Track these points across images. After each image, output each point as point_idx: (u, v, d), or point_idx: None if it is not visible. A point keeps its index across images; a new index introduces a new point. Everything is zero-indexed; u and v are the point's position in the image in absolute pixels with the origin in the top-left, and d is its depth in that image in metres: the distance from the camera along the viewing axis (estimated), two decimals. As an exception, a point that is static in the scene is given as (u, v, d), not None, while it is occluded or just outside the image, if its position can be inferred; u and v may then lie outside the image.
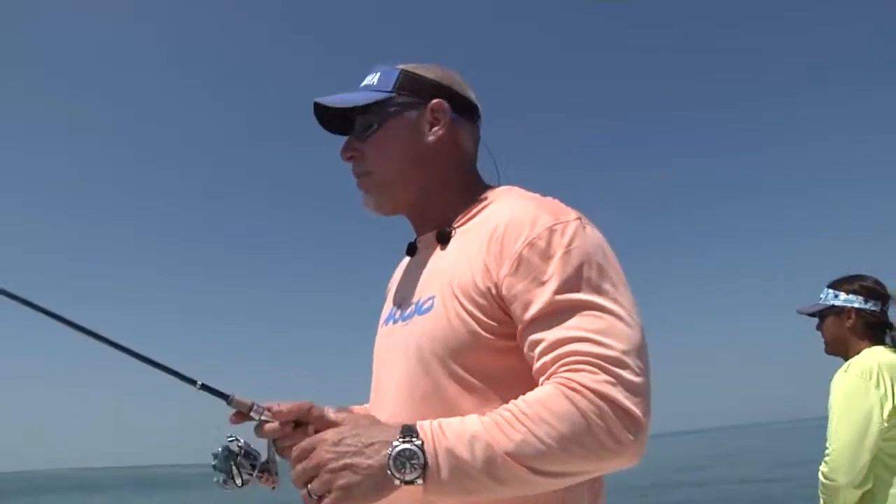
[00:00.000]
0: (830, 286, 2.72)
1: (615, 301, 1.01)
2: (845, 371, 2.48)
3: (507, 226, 1.08)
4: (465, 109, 1.28)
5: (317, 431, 1.15)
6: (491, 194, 1.24)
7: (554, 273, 1.02)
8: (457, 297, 1.10)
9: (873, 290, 2.63)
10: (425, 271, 1.21)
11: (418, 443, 0.92)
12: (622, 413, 0.93)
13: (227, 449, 1.15)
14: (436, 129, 1.23)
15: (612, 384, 0.94)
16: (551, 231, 1.04)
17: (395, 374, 1.17)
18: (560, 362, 0.98)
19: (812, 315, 2.75)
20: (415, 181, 1.25)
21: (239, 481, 1.14)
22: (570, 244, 1.03)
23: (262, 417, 1.16)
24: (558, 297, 1.01)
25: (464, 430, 0.94)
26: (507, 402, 0.99)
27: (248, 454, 1.15)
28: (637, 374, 0.95)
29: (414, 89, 1.24)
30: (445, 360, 1.09)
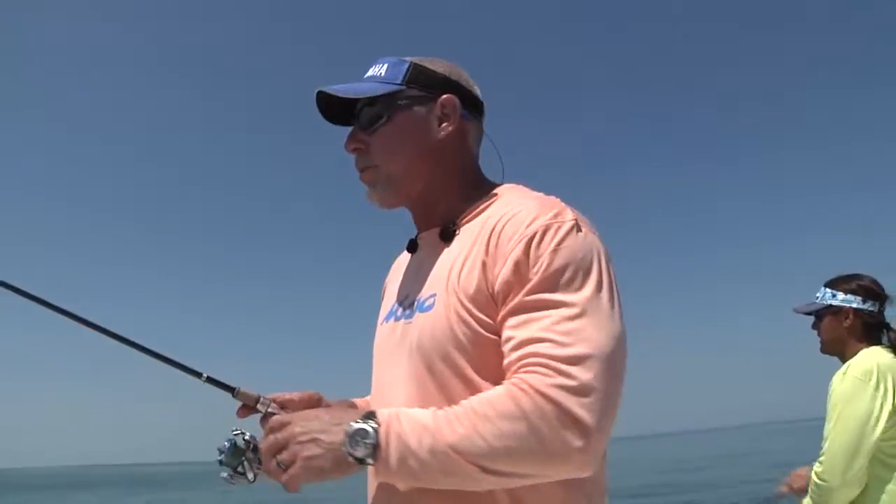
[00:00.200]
0: (828, 285, 2.69)
1: (592, 305, 1.00)
2: (844, 373, 2.46)
3: (506, 225, 1.08)
4: (472, 106, 1.26)
5: None
6: (494, 192, 1.22)
7: (536, 272, 1.02)
8: (457, 296, 1.09)
9: (871, 290, 2.61)
10: (428, 269, 1.19)
11: (374, 425, 0.96)
12: (569, 418, 0.91)
13: (233, 443, 1.14)
14: (445, 125, 1.22)
15: (562, 388, 0.92)
16: (545, 231, 1.04)
17: (399, 372, 1.16)
18: (520, 362, 0.98)
19: (809, 314, 2.73)
20: (421, 176, 1.23)
21: (251, 476, 1.14)
22: (559, 244, 1.03)
23: (269, 409, 1.17)
24: (534, 296, 1.01)
25: (416, 420, 0.97)
26: None
27: (256, 448, 1.14)
28: (595, 381, 0.93)
29: (424, 83, 1.22)
30: (447, 358, 1.08)
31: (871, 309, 2.59)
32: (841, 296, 2.63)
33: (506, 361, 1.01)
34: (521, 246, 1.03)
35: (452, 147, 1.23)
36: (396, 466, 0.95)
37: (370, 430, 0.95)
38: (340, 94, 1.21)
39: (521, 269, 1.03)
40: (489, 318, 1.06)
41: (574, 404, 0.92)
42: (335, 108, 1.25)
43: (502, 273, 1.04)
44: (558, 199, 1.12)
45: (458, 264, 1.12)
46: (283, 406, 1.22)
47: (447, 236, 1.20)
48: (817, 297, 2.70)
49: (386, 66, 1.24)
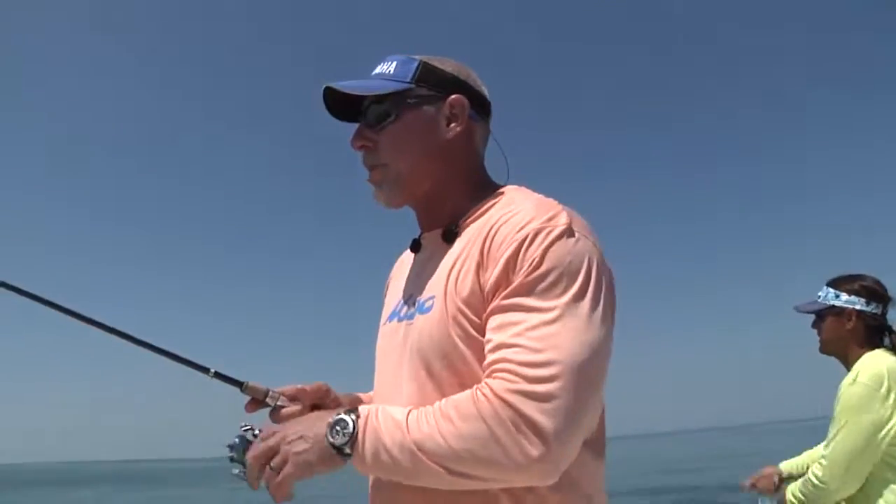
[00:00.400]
0: (830, 284, 2.66)
1: (570, 312, 0.98)
2: (854, 378, 2.42)
3: (500, 227, 1.08)
4: (479, 106, 1.26)
5: None
6: (498, 193, 1.21)
7: (520, 275, 1.01)
8: (453, 298, 1.09)
9: (875, 292, 2.58)
10: (430, 270, 1.19)
11: (353, 417, 0.99)
12: (527, 424, 0.91)
13: (243, 439, 1.14)
14: (453, 125, 1.21)
15: (524, 394, 0.92)
16: (536, 234, 1.03)
17: (400, 373, 1.16)
18: (491, 367, 0.98)
19: (810, 313, 2.70)
20: (428, 176, 1.22)
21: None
22: (546, 249, 1.01)
23: (278, 403, 1.18)
24: (513, 299, 1.00)
25: (391, 416, 0.99)
26: None
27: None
28: (560, 388, 0.92)
29: (433, 82, 1.21)
30: (445, 360, 1.08)
31: (874, 311, 2.56)
32: (844, 296, 2.59)
33: (484, 364, 1.01)
34: (512, 248, 1.03)
35: (460, 147, 1.23)
36: (371, 459, 0.97)
37: (349, 420, 0.99)
38: (348, 91, 1.20)
39: (508, 272, 1.02)
40: (481, 320, 1.05)
41: (533, 410, 0.91)
42: (342, 105, 1.24)
43: (493, 275, 1.04)
44: (556, 202, 1.11)
45: (457, 267, 1.12)
46: (293, 398, 1.22)
47: (449, 237, 1.19)
48: (819, 297, 2.66)
49: (395, 63, 1.23)
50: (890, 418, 2.33)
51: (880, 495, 2.37)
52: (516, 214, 1.08)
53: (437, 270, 1.17)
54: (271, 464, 1.01)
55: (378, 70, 1.24)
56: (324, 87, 1.21)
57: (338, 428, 0.99)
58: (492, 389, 0.94)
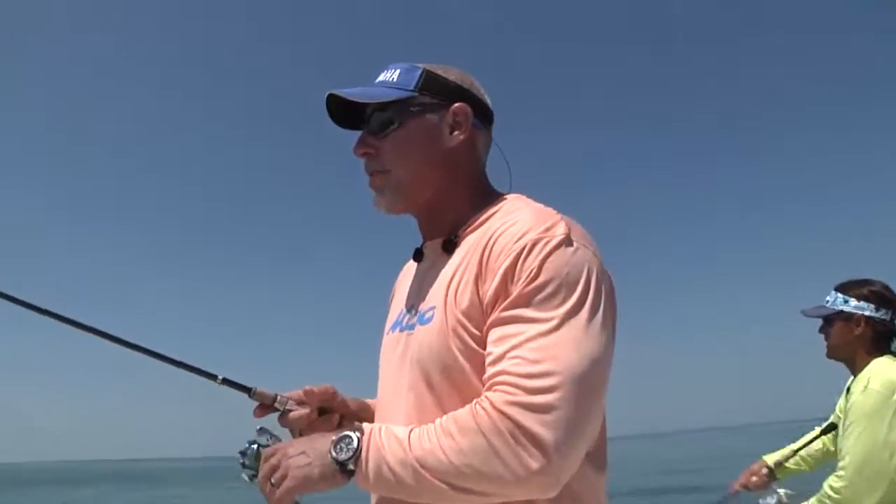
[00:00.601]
0: (839, 289, 2.62)
1: (573, 322, 0.98)
2: (866, 386, 2.39)
3: (499, 238, 1.07)
4: (482, 115, 1.26)
5: (342, 418, 1.25)
6: (499, 202, 1.21)
7: (518, 286, 1.01)
8: (453, 310, 1.09)
9: (884, 298, 2.55)
10: (431, 280, 1.19)
11: (357, 434, 0.99)
12: (527, 437, 0.90)
13: (256, 445, 1.15)
14: (456, 133, 1.21)
15: (524, 406, 0.91)
16: (533, 244, 1.02)
17: (401, 383, 1.16)
18: (491, 380, 0.98)
19: (818, 318, 2.67)
20: (430, 184, 1.22)
21: None
22: (544, 260, 1.01)
23: (287, 407, 1.19)
24: (513, 311, 1.00)
25: (393, 433, 0.99)
26: None
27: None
28: (560, 400, 0.92)
29: (436, 90, 1.21)
30: (444, 372, 1.08)
31: (883, 317, 2.53)
32: (853, 302, 2.56)
33: (484, 377, 1.01)
34: (510, 260, 1.02)
35: (462, 155, 1.23)
36: (374, 477, 0.97)
37: (353, 436, 0.99)
38: (352, 98, 1.20)
39: (506, 283, 1.02)
40: (481, 332, 1.05)
41: (532, 422, 0.90)
42: (344, 112, 1.24)
43: (492, 287, 1.03)
44: (554, 212, 1.11)
45: (456, 278, 1.11)
46: (300, 402, 1.23)
47: (449, 247, 1.19)
48: (827, 301, 2.63)
49: (398, 71, 1.23)
50: None
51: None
52: (514, 224, 1.07)
53: (437, 281, 1.17)
54: (272, 479, 1.01)
55: (381, 78, 1.25)
56: (327, 94, 1.21)
57: (342, 444, 0.99)
58: (490, 402, 0.94)
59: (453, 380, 1.07)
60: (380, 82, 1.24)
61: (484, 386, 1.00)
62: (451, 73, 1.25)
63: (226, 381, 1.18)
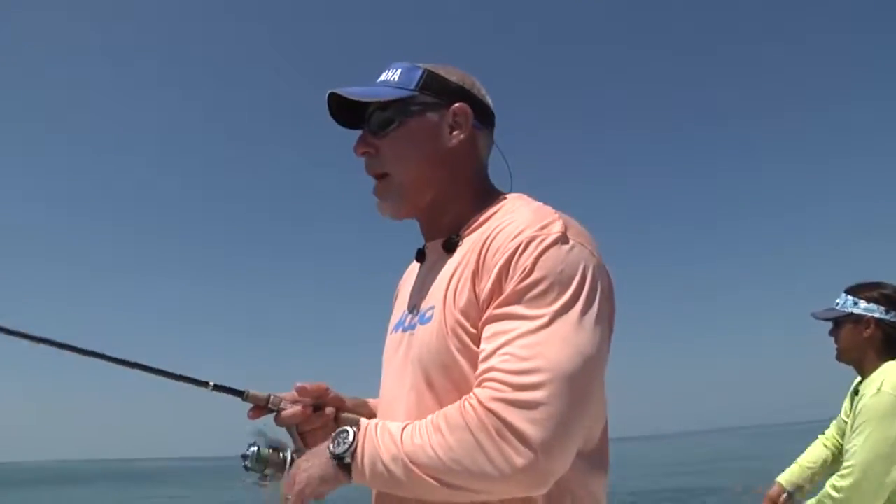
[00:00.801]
0: (849, 292, 2.61)
1: (565, 320, 0.97)
2: (879, 388, 2.37)
3: (496, 237, 1.07)
4: (483, 116, 1.26)
5: (338, 411, 1.26)
6: (499, 202, 1.21)
7: (511, 283, 1.00)
8: (451, 309, 1.09)
9: (895, 300, 2.53)
10: (432, 280, 1.19)
11: (353, 429, 1.03)
12: (513, 433, 0.90)
13: (256, 447, 1.16)
14: (457, 133, 1.21)
15: (510, 402, 0.91)
16: (529, 242, 1.02)
17: (402, 384, 1.16)
18: (481, 377, 0.98)
19: (828, 320, 2.65)
20: (430, 185, 1.22)
21: (279, 473, 1.15)
22: (538, 257, 1.00)
23: (280, 407, 1.20)
24: (505, 308, 1.00)
25: (388, 429, 1.02)
26: None
27: (277, 449, 1.17)
28: (547, 397, 0.91)
29: (437, 90, 1.22)
30: (444, 371, 1.08)
31: (893, 320, 2.51)
32: (863, 304, 2.54)
33: (476, 374, 1.00)
34: (505, 257, 1.02)
35: (463, 155, 1.22)
36: (368, 472, 1.00)
37: (349, 430, 1.03)
38: (353, 97, 1.20)
39: (501, 281, 1.02)
40: (478, 330, 1.05)
41: (518, 418, 0.90)
42: (346, 111, 1.24)
43: (487, 285, 1.03)
44: (552, 210, 1.10)
45: (455, 277, 1.12)
46: (294, 401, 1.23)
47: (450, 247, 1.19)
48: (837, 304, 2.62)
49: (399, 71, 1.23)
50: None
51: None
52: (511, 223, 1.07)
53: (437, 281, 1.17)
54: (289, 494, 1.05)
55: (383, 77, 1.25)
56: (328, 92, 1.21)
57: (339, 439, 1.03)
58: (478, 399, 0.94)
59: (453, 379, 1.07)
60: (381, 82, 1.24)
61: (475, 383, 1.00)
62: (453, 74, 1.25)
63: (217, 387, 1.18)
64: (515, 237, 1.03)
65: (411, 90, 1.20)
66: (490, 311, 1.02)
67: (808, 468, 2.87)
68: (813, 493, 2.63)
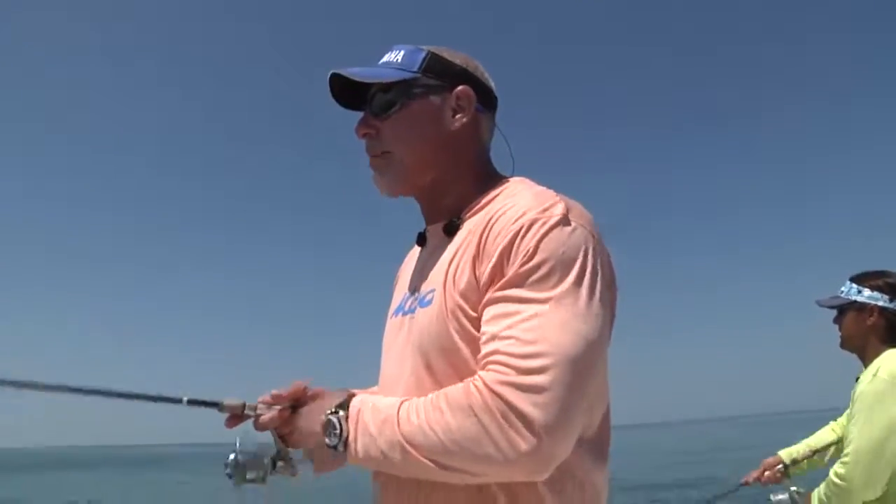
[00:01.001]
0: (854, 280, 2.62)
1: (567, 303, 0.96)
2: (874, 374, 2.39)
3: (498, 220, 1.06)
4: (485, 99, 1.24)
5: None
6: (501, 186, 1.20)
7: (513, 266, 1.00)
8: (452, 292, 1.08)
9: None
10: (432, 264, 1.18)
11: (342, 415, 1.02)
12: (517, 416, 0.89)
13: (234, 456, 1.15)
14: (459, 116, 1.20)
15: (513, 385, 0.91)
16: (530, 225, 1.01)
17: (402, 368, 1.16)
18: (485, 360, 0.97)
19: (832, 308, 2.66)
20: (432, 167, 1.20)
21: (261, 478, 1.15)
22: (540, 239, 1.00)
23: (257, 412, 1.17)
24: (507, 290, 0.99)
25: (380, 410, 1.01)
26: None
27: (257, 455, 1.16)
28: (551, 381, 0.90)
29: (440, 72, 1.20)
30: (443, 354, 1.07)
31: None
32: (867, 292, 2.55)
33: (478, 357, 1.00)
34: (507, 240, 1.01)
35: (465, 138, 1.21)
36: (362, 456, 1.00)
37: (336, 421, 1.02)
38: (355, 78, 1.19)
39: (502, 264, 1.01)
40: (478, 313, 1.04)
41: (523, 402, 0.89)
42: (348, 92, 1.23)
43: (488, 268, 1.02)
44: (553, 193, 1.09)
45: (455, 260, 1.11)
46: (271, 405, 1.19)
47: (451, 230, 1.18)
48: (842, 292, 2.63)
49: (402, 53, 1.22)
50: None
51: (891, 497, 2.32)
52: (512, 207, 1.06)
53: (438, 264, 1.16)
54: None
55: (385, 59, 1.23)
56: (330, 73, 1.20)
57: (328, 429, 1.03)
58: (483, 381, 0.93)
59: (452, 362, 1.06)
60: (383, 63, 1.23)
61: (478, 366, 0.99)
62: (456, 57, 1.23)
63: (192, 402, 1.15)
64: (517, 220, 1.02)
65: (414, 72, 1.19)
66: (491, 294, 1.01)
67: (810, 447, 2.93)
68: (813, 475, 2.66)
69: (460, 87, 1.20)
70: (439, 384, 1.06)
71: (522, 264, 0.99)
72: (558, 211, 1.03)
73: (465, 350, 1.05)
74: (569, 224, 1.02)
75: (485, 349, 0.98)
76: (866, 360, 2.54)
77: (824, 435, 2.95)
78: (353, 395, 1.07)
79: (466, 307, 1.05)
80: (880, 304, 2.52)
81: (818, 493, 2.50)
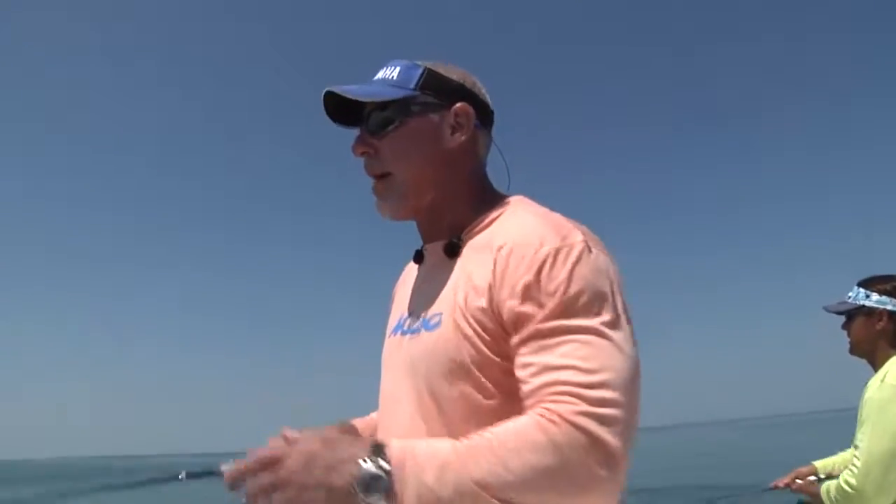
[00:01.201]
0: (861, 284, 2.58)
1: (612, 330, 0.98)
2: (882, 380, 2.35)
3: (514, 246, 1.05)
4: (483, 115, 1.23)
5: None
6: (501, 205, 1.19)
7: (552, 297, 0.99)
8: (464, 317, 1.07)
9: None
10: (434, 284, 1.17)
11: (386, 466, 0.88)
12: (599, 447, 0.90)
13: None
14: (458, 134, 1.19)
15: (592, 417, 0.91)
16: (556, 254, 1.02)
17: (402, 387, 1.15)
18: (545, 390, 0.95)
19: (840, 314, 2.62)
20: (431, 186, 1.19)
21: None
22: (572, 269, 1.01)
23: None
24: (553, 322, 0.99)
25: (434, 456, 0.91)
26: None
27: None
28: (620, 408, 0.92)
29: (437, 90, 1.19)
30: (450, 378, 1.06)
31: None
32: (875, 297, 2.51)
33: (526, 388, 0.98)
34: (533, 271, 1.01)
35: (463, 157, 1.20)
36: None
37: (381, 474, 0.87)
38: (351, 97, 1.16)
39: (533, 295, 1.00)
40: (495, 340, 1.04)
41: (605, 433, 0.90)
42: (342, 109, 1.20)
43: (513, 299, 1.02)
44: (562, 217, 1.10)
45: (465, 284, 1.09)
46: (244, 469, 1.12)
47: (452, 251, 1.17)
48: (849, 297, 2.59)
49: (398, 69, 1.20)
50: None
51: None
52: (528, 234, 1.06)
53: (443, 286, 1.14)
54: (274, 498, 0.88)
55: (380, 75, 1.21)
56: (325, 91, 1.17)
57: (368, 482, 0.87)
58: (559, 415, 0.91)
59: (458, 387, 1.06)
60: (378, 79, 1.21)
61: (530, 397, 0.96)
62: (453, 73, 1.22)
63: (190, 475, 1.12)
64: (539, 249, 1.02)
65: (411, 89, 1.17)
66: (534, 326, 0.99)
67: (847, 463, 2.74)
68: None
69: (459, 105, 1.18)
70: (444, 406, 1.06)
71: (561, 295, 0.99)
72: (580, 238, 1.04)
73: (477, 374, 1.05)
74: (591, 251, 1.04)
75: (540, 379, 0.96)
76: (876, 365, 2.50)
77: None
78: (379, 441, 0.93)
79: (481, 332, 1.04)
80: (889, 308, 2.48)
81: (827, 491, 2.45)
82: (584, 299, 0.99)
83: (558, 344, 0.97)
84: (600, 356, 0.95)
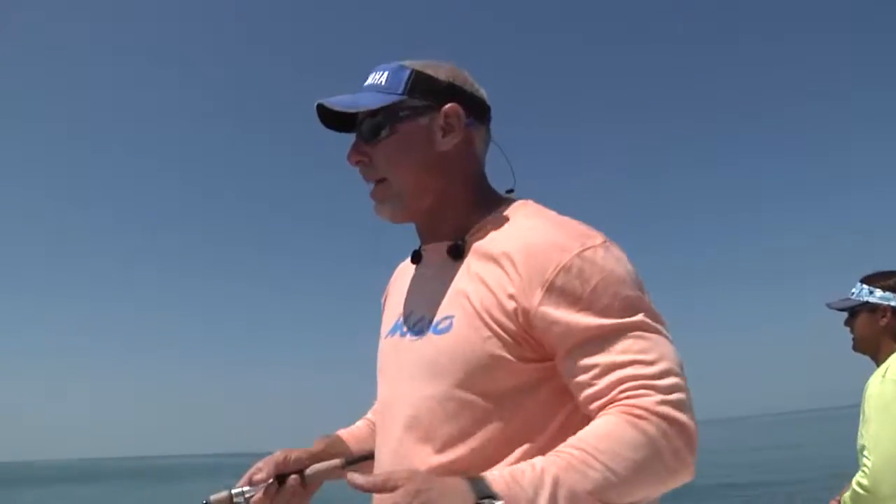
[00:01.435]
0: (864, 281, 2.57)
1: (654, 320, 1.03)
2: (884, 376, 2.32)
3: (535, 251, 1.05)
4: (477, 111, 1.22)
5: (301, 474, 1.20)
6: (505, 207, 1.19)
7: (592, 299, 1.02)
8: (482, 321, 1.06)
9: None
10: (438, 286, 1.16)
11: (499, 501, 0.89)
12: (683, 431, 0.96)
13: None
14: (449, 136, 1.17)
15: (670, 404, 0.96)
16: (582, 257, 1.03)
17: (401, 391, 1.14)
18: (618, 388, 0.98)
19: (843, 310, 2.60)
20: (428, 191, 1.18)
21: None
22: (603, 269, 1.03)
23: (246, 496, 1.16)
24: (601, 321, 1.01)
25: (542, 480, 0.91)
26: (526, 424, 1.04)
27: None
28: (685, 391, 0.98)
29: (426, 91, 1.17)
30: (467, 381, 1.06)
31: None
32: (879, 293, 2.50)
33: (591, 389, 1.00)
34: (562, 274, 1.02)
35: (458, 158, 1.19)
36: None
37: None
38: (339, 108, 1.16)
39: (568, 298, 1.02)
40: (516, 343, 1.04)
41: (684, 417, 0.96)
42: (336, 116, 1.21)
43: (543, 303, 1.02)
44: (574, 221, 1.11)
45: (479, 287, 1.09)
46: (255, 483, 1.19)
47: (456, 253, 1.16)
48: (853, 293, 2.58)
49: (386, 74, 1.19)
50: None
51: None
52: (549, 236, 1.07)
53: (451, 289, 1.13)
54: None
55: (370, 81, 1.21)
56: (316, 104, 1.18)
57: None
58: (644, 408, 0.95)
59: (474, 389, 1.06)
60: (368, 85, 1.20)
61: (599, 399, 0.99)
62: (441, 72, 1.20)
63: None
64: (565, 250, 1.03)
65: (399, 94, 1.16)
66: (582, 331, 1.00)
67: None
68: None
69: (448, 106, 1.17)
70: (459, 409, 1.06)
71: (598, 294, 1.01)
72: (599, 238, 1.07)
73: (493, 376, 1.05)
74: (609, 247, 1.07)
75: (607, 378, 0.98)
76: (879, 361, 2.48)
77: None
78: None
79: (503, 335, 1.04)
80: (893, 304, 2.47)
81: (846, 499, 2.39)
82: (622, 296, 1.03)
83: (613, 342, 1.00)
84: (656, 347, 1.00)
